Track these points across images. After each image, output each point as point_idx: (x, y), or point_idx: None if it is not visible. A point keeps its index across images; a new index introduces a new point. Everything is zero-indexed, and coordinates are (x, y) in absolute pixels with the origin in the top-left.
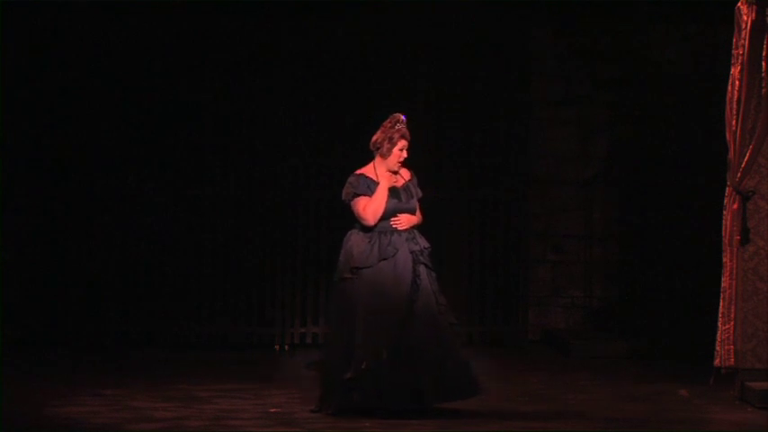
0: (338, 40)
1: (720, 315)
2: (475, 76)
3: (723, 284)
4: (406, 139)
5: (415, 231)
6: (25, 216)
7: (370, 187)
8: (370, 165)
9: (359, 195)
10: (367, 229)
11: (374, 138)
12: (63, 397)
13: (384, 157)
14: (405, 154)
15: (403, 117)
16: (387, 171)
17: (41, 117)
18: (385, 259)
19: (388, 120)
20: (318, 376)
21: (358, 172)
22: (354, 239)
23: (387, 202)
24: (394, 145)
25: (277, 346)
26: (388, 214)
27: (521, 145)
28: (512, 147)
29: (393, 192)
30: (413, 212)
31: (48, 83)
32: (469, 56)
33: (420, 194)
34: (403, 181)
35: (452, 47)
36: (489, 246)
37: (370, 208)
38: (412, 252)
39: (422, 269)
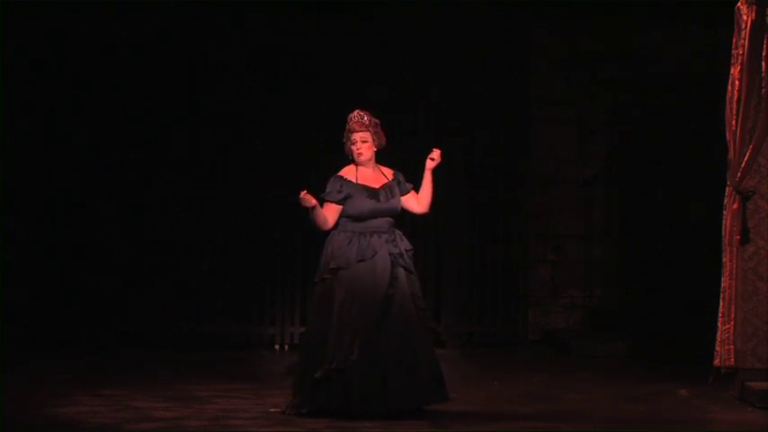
0: (338, 40)
1: (720, 315)
2: (475, 76)
3: (723, 284)
4: (354, 131)
5: (397, 233)
6: (25, 216)
7: (340, 191)
8: (353, 164)
9: (325, 201)
10: (348, 230)
11: None
12: (63, 397)
13: (351, 157)
14: (360, 147)
15: (356, 112)
16: (364, 169)
17: (41, 117)
18: (363, 260)
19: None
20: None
21: (339, 173)
22: (335, 240)
23: (364, 203)
24: (349, 141)
25: (277, 346)
26: (366, 216)
27: (521, 145)
28: (512, 147)
29: (371, 193)
30: (393, 213)
31: (48, 83)
32: (470, 56)
33: (410, 187)
34: (385, 181)
35: (452, 47)
36: (489, 246)
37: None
38: (391, 254)
39: (400, 272)
